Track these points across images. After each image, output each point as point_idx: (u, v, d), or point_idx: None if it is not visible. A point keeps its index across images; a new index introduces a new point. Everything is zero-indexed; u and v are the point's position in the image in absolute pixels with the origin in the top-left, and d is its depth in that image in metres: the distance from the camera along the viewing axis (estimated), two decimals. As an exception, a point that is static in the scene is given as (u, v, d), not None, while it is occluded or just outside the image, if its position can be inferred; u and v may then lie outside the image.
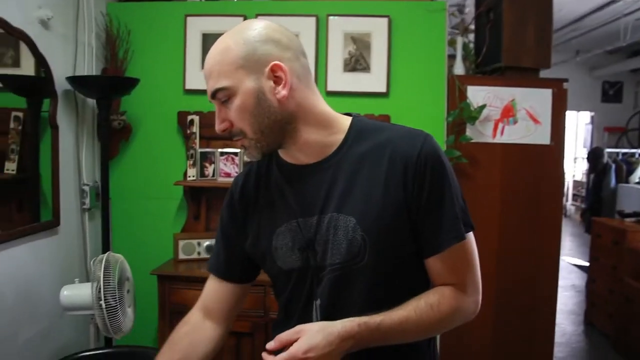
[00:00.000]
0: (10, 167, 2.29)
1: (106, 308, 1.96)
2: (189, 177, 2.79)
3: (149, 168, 2.93)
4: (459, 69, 3.01)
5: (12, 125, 2.31)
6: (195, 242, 2.68)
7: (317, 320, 1.13)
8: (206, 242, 2.68)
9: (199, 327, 1.29)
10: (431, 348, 1.25)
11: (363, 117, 1.22)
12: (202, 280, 2.45)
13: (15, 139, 2.30)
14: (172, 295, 2.51)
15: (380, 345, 1.10)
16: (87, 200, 2.73)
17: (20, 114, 2.33)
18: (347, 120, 1.19)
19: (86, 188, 2.73)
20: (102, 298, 1.95)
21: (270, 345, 1.03)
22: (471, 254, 1.16)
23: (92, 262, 2.05)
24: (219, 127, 1.13)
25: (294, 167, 1.19)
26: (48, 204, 2.48)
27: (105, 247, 2.52)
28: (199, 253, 2.67)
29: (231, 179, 2.71)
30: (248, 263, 1.28)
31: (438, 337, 1.29)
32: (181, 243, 2.66)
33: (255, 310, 2.49)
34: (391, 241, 1.12)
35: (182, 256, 2.65)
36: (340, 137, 1.17)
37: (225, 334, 1.32)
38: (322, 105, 1.17)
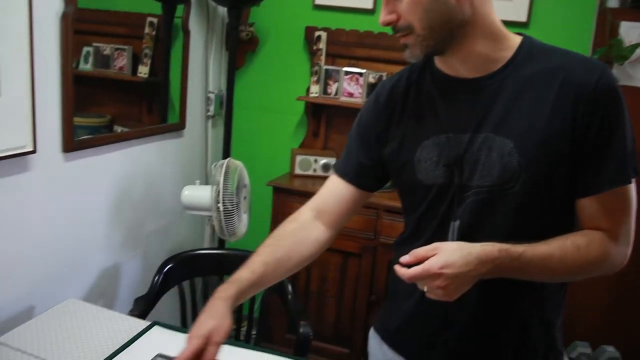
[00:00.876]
0: (143, 70, 2.37)
1: (223, 211, 2.02)
2: (312, 93, 2.77)
3: (273, 81, 2.94)
4: (613, 0, 2.71)
5: (146, 30, 2.38)
6: (312, 158, 2.69)
7: (453, 241, 1.09)
8: (323, 160, 2.68)
9: (307, 226, 1.27)
10: (561, 294, 1.18)
11: (534, 39, 1.11)
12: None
13: (148, 44, 2.37)
14: (286, 208, 2.55)
15: (512, 279, 1.04)
16: (212, 108, 2.81)
17: (155, 20, 2.39)
18: (518, 39, 1.10)
19: (211, 96, 2.80)
20: (221, 201, 2.01)
21: (404, 259, 1.00)
22: (630, 201, 1.06)
23: (212, 166, 2.11)
24: (384, 19, 1.06)
25: (451, 79, 1.12)
26: (175, 108, 2.57)
27: (226, 154, 2.59)
28: (314, 170, 2.68)
29: (353, 100, 2.68)
30: (379, 170, 1.24)
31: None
32: (298, 158, 2.68)
33: (366, 232, 2.48)
34: (548, 172, 1.04)
35: (298, 171, 2.68)
36: (508, 54, 1.08)
37: (330, 239, 1.29)
38: (495, 16, 1.08)
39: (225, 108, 2.66)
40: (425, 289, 1.00)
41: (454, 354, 1.16)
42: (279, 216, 2.58)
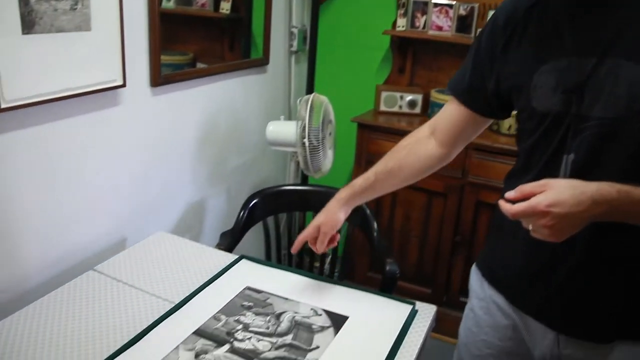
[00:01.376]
0: (225, 6, 2.33)
1: (309, 147, 1.98)
2: (398, 27, 2.65)
3: (357, 15, 2.82)
4: None
5: (228, -35, 2.32)
6: (397, 95, 2.59)
7: (565, 177, 1.00)
8: (409, 97, 2.58)
9: (421, 141, 1.30)
10: None
11: None
12: (402, 133, 2.42)
13: (230, -21, 2.31)
14: (370, 145, 2.50)
15: (626, 225, 0.95)
16: (295, 43, 2.74)
17: (237, -46, 2.33)
18: None
19: (294, 30, 2.73)
20: (306, 137, 1.97)
21: (510, 194, 0.93)
22: None
23: (297, 102, 2.07)
24: None
25: None
26: (257, 44, 2.52)
27: (309, 90, 2.54)
28: (400, 107, 2.59)
29: (442, 33, 2.55)
30: (492, 96, 1.16)
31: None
32: (383, 94, 2.60)
33: (453, 170, 2.39)
34: None
35: (383, 108, 2.60)
36: None
37: (445, 158, 1.30)
38: None
39: (309, 43, 2.59)
40: (530, 227, 0.93)
41: (555, 297, 1.09)
42: (363, 153, 2.53)
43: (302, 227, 2.12)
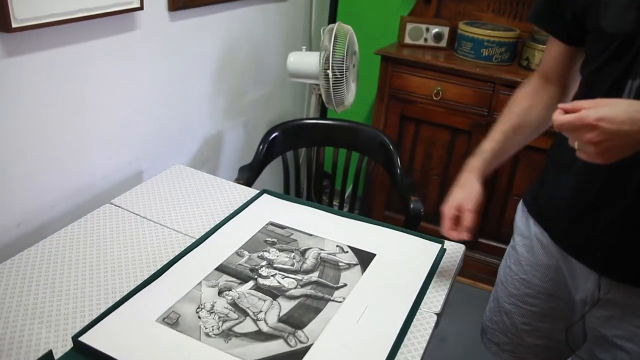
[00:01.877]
0: None
1: (332, 79, 1.89)
2: (425, -47, 2.50)
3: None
4: None
5: None
6: (423, 27, 2.46)
7: None
8: (435, 29, 2.45)
9: (538, 90, 1.21)
10: None
11: None
12: (427, 67, 2.32)
13: None
14: (393, 79, 2.39)
15: None
16: (316, -30, 2.60)
17: None
18: None
19: (316, -44, 2.59)
20: (330, 68, 1.88)
21: (563, 105, 0.86)
22: None
23: (321, 31, 1.96)
24: None
25: None
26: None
27: (331, 20, 2.43)
28: (425, 40, 2.47)
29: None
30: (572, 22, 1.08)
31: None
32: (409, 27, 2.47)
33: (479, 107, 2.30)
34: None
35: (407, 40, 2.48)
36: None
37: (561, 96, 1.20)
38: None
39: (331, -30, 2.46)
40: (575, 145, 0.86)
41: (599, 237, 1.03)
42: (385, 87, 2.43)
43: (322, 164, 2.05)
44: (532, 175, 2.34)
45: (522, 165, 2.34)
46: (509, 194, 2.42)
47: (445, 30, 2.46)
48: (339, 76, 1.90)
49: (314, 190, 2.12)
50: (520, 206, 1.28)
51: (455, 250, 1.34)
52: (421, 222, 1.75)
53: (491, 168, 1.22)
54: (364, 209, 2.14)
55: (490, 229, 2.52)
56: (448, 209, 1.17)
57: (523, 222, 1.25)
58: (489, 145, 1.21)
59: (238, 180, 1.75)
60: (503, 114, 1.23)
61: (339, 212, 1.43)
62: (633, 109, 0.81)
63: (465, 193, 1.17)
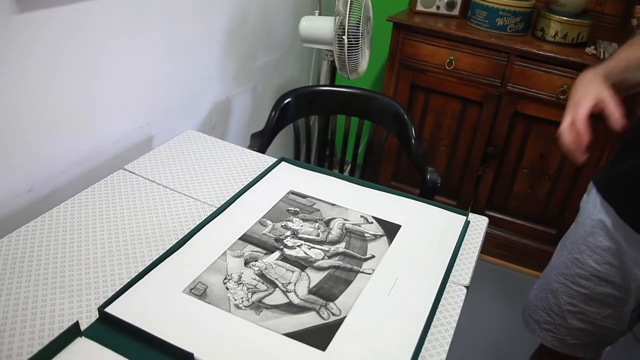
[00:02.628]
0: None
1: (347, 44, 1.84)
2: None
3: None
4: None
5: None
6: (436, -7, 2.41)
7: None
8: (448, -5, 2.40)
9: None
10: None
11: None
12: (441, 36, 2.27)
13: None
14: (405, 47, 2.34)
15: None
16: None
17: None
18: None
19: None
20: (345, 33, 1.83)
21: None
22: None
23: (335, -6, 1.90)
24: None
25: None
26: None
27: (342, -16, 2.35)
28: (438, 7, 2.41)
29: None
30: None
31: None
32: (420, -7, 2.41)
33: (492, 78, 2.26)
34: None
35: (419, 8, 2.41)
36: None
37: None
38: None
39: None
40: None
41: None
42: (396, 55, 2.37)
43: (334, 131, 2.01)
44: (542, 147, 2.31)
45: (533, 137, 2.32)
46: (519, 166, 2.40)
47: (459, -2, 2.41)
48: (354, 42, 1.85)
49: (324, 158, 2.08)
50: (590, 185, 1.24)
51: (479, 222, 1.31)
52: (436, 194, 1.72)
53: (612, 80, 1.06)
54: (372, 178, 2.10)
55: (497, 201, 2.51)
56: (583, 105, 0.99)
57: (590, 202, 1.21)
58: (611, 64, 1.09)
59: (251, 147, 1.71)
60: (629, 44, 1.10)
61: (360, 181, 1.39)
62: None
63: (601, 87, 1.01)
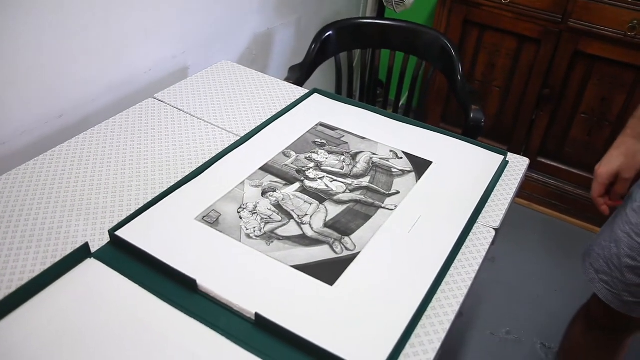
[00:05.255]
0: None
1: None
2: None
3: None
4: None
5: None
6: None
7: None
8: None
9: None
10: None
11: None
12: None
13: None
14: None
15: None
16: None
17: None
18: None
19: None
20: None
21: None
22: None
23: None
24: None
25: None
26: None
27: None
28: None
29: None
30: None
31: None
32: None
33: (552, 13, 2.10)
34: None
35: None
36: None
37: None
38: None
39: None
40: None
41: None
42: None
43: (377, 67, 1.92)
44: (604, 91, 2.16)
45: (594, 79, 2.16)
46: (577, 111, 2.25)
47: None
48: (401, -29, 1.74)
49: (367, 97, 2.00)
50: None
51: (518, 163, 1.23)
52: (480, 135, 1.63)
53: None
54: (420, 117, 2.02)
55: (551, 147, 2.37)
56: (605, 174, 1.13)
57: None
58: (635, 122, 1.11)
59: (288, 80, 1.65)
60: None
61: (394, 115, 1.32)
62: None
63: (625, 160, 1.11)
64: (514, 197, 1.13)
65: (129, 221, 0.95)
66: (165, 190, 1.03)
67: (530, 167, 2.39)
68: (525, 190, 2.46)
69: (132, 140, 1.20)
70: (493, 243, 1.02)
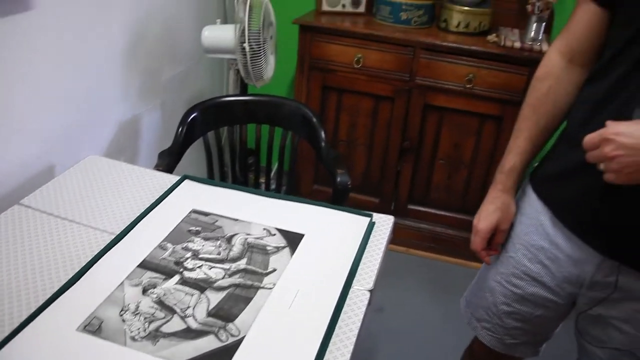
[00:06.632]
0: None
1: (249, 52, 1.83)
2: None
3: None
4: None
5: None
6: (339, -7, 2.42)
7: None
8: (352, -5, 2.41)
9: (562, 79, 1.12)
10: None
11: None
12: (346, 35, 2.28)
13: None
14: (313, 48, 2.35)
15: None
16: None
17: None
18: None
19: None
20: (246, 41, 1.81)
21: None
22: None
23: (235, 2, 1.88)
24: None
25: None
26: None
27: (244, -10, 2.33)
28: (343, 6, 2.43)
29: None
30: None
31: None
32: (325, -7, 2.42)
33: (400, 72, 2.29)
34: None
35: (325, 7, 2.43)
36: None
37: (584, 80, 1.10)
38: None
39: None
40: (602, 167, 0.88)
41: (605, 214, 1.00)
42: (305, 58, 2.38)
43: (245, 141, 1.99)
44: (455, 137, 2.37)
45: (445, 128, 2.37)
46: (435, 158, 2.44)
47: (364, -4, 2.43)
48: (256, 49, 1.84)
49: (240, 168, 2.06)
50: (525, 183, 1.25)
51: (384, 222, 1.32)
52: (349, 194, 1.73)
53: (520, 180, 1.22)
54: (292, 184, 2.10)
55: (418, 194, 2.55)
56: (485, 229, 1.21)
57: (525, 200, 1.22)
58: (517, 160, 1.18)
59: (157, 167, 1.68)
60: (526, 116, 1.16)
61: (265, 192, 1.39)
62: None
63: (501, 214, 1.21)
64: (383, 256, 1.22)
65: (8, 342, 0.92)
66: (42, 304, 1.01)
67: (401, 215, 2.56)
68: (400, 238, 2.60)
69: (1, 253, 1.17)
70: (370, 303, 1.09)
